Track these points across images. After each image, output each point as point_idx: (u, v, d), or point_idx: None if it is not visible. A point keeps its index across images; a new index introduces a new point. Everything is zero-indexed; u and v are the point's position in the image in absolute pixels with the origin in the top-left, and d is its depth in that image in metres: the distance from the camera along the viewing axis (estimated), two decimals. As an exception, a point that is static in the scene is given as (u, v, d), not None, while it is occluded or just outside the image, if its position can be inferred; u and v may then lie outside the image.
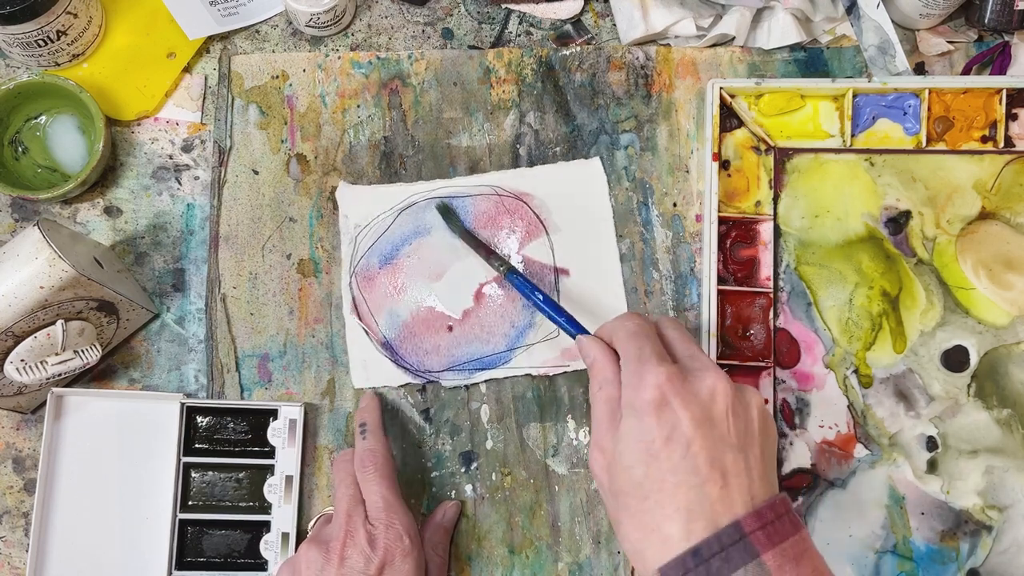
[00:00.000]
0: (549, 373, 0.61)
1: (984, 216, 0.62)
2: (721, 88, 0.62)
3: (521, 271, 0.60)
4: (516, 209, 0.63)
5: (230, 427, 0.61)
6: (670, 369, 0.46)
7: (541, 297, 0.56)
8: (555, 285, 0.62)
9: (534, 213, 0.63)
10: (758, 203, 0.62)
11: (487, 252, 0.60)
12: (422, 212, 0.63)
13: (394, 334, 0.62)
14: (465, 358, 0.62)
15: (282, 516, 0.60)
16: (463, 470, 0.61)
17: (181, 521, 0.59)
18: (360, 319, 0.62)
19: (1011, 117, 0.62)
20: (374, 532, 0.53)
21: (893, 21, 0.64)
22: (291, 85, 0.64)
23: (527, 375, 0.61)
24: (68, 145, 0.63)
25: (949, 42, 0.65)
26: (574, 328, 0.54)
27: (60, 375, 0.56)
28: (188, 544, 0.59)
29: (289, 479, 0.60)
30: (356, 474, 0.56)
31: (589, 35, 0.66)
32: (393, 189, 0.63)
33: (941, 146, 0.62)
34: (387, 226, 0.63)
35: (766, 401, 0.58)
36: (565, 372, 0.61)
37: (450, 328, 0.62)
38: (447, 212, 0.62)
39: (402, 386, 0.61)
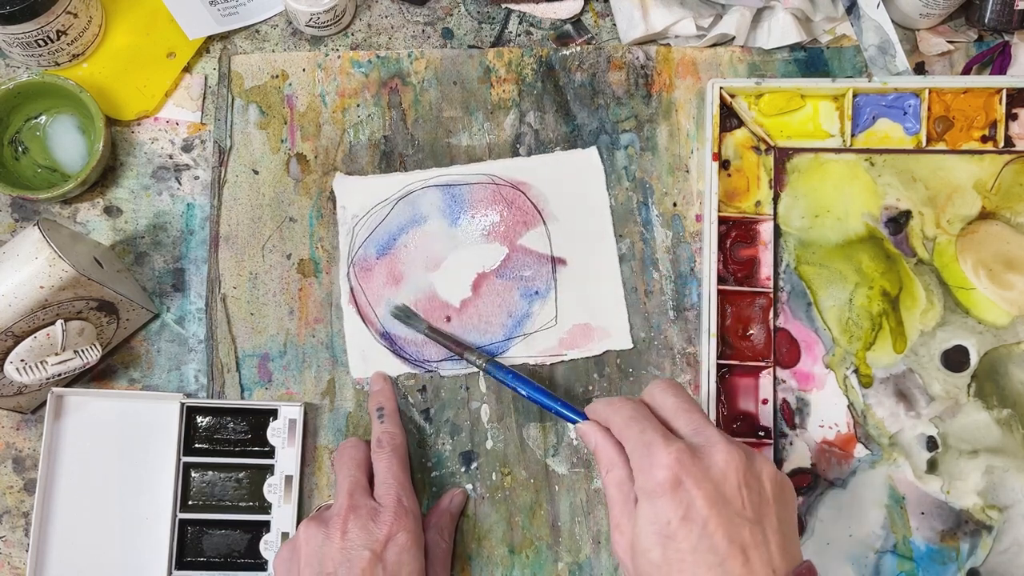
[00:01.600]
0: (547, 362, 0.61)
1: (984, 216, 0.62)
2: (721, 88, 0.62)
3: (499, 362, 0.59)
4: (513, 198, 0.63)
5: (230, 427, 0.61)
6: (679, 447, 0.45)
7: (527, 389, 0.56)
8: (553, 275, 0.62)
9: (531, 203, 0.63)
10: (758, 203, 0.62)
11: (460, 346, 0.60)
12: (419, 201, 0.63)
13: (392, 324, 0.62)
14: None
15: (282, 516, 0.60)
16: (463, 470, 0.61)
17: (181, 521, 0.59)
18: (358, 310, 0.62)
19: (1011, 117, 0.62)
20: (379, 508, 0.54)
21: (893, 21, 0.64)
22: (291, 85, 0.64)
23: (525, 364, 0.61)
24: (68, 145, 0.63)
25: (949, 42, 0.65)
26: (568, 411, 0.53)
27: (60, 375, 0.56)
28: (188, 544, 0.59)
29: (289, 479, 0.60)
30: (371, 453, 0.57)
31: (589, 35, 0.66)
32: (389, 179, 0.63)
33: (941, 146, 0.62)
34: (384, 216, 0.63)
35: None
36: (563, 361, 0.61)
37: (448, 318, 0.62)
38: (407, 314, 0.61)
39: (400, 376, 0.61)
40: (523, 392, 0.56)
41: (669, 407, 0.49)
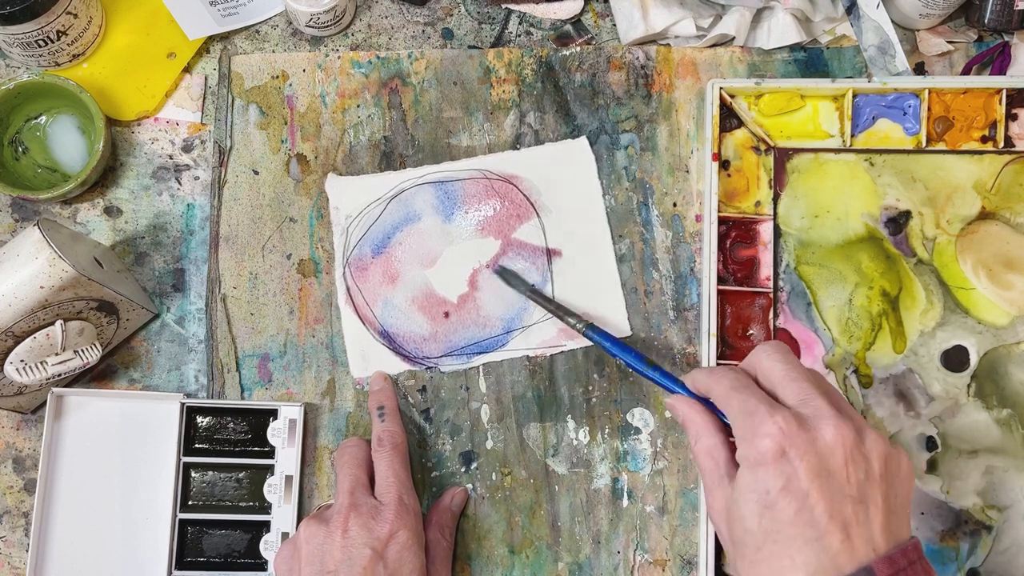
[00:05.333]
0: (546, 353, 0.62)
1: (984, 216, 0.62)
2: (721, 88, 0.62)
3: (593, 324, 0.59)
4: (506, 192, 0.63)
5: (230, 427, 0.61)
6: (784, 416, 0.44)
7: (633, 355, 0.55)
8: (548, 266, 0.62)
9: (524, 195, 0.63)
10: (758, 203, 0.62)
11: (561, 310, 0.60)
12: (412, 199, 0.63)
13: (391, 322, 0.62)
14: (463, 343, 0.62)
15: (282, 516, 0.60)
16: (463, 470, 0.61)
17: (181, 521, 0.59)
18: (356, 309, 0.62)
19: (1011, 117, 0.62)
20: (380, 506, 0.54)
21: (893, 21, 0.64)
22: (291, 85, 0.64)
23: (524, 357, 0.62)
24: (68, 145, 0.63)
25: (949, 42, 0.65)
26: (667, 380, 0.53)
27: (60, 375, 0.56)
28: (188, 544, 0.59)
29: (289, 479, 0.60)
30: (372, 452, 0.57)
31: (589, 35, 0.66)
32: (382, 178, 0.63)
33: (941, 146, 0.62)
34: (377, 215, 0.63)
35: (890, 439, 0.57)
36: (563, 352, 0.62)
37: (447, 314, 0.62)
38: (510, 274, 0.62)
39: (400, 375, 0.61)
40: (620, 357, 0.56)
41: (776, 375, 0.47)
